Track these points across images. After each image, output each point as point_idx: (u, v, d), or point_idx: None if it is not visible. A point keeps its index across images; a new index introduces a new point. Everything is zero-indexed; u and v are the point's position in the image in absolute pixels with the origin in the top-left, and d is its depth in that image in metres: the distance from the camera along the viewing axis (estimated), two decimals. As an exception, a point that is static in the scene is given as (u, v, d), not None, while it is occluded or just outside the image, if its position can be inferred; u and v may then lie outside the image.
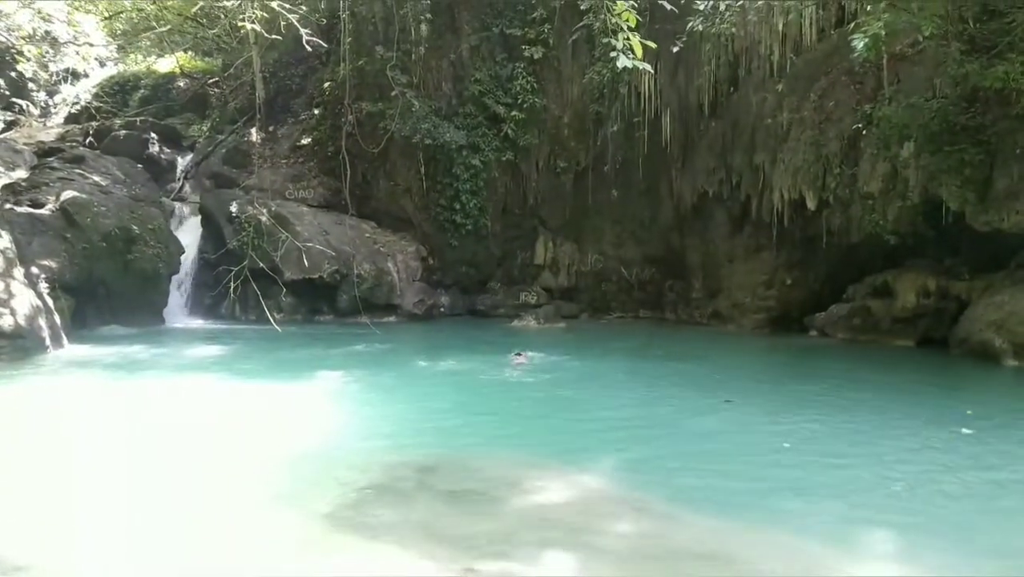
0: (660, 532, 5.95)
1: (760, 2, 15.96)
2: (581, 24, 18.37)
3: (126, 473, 7.14)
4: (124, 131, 22.10)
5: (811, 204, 16.24)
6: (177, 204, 20.74)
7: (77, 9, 21.19)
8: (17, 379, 11.29)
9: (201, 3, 18.39)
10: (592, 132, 20.38)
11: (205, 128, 22.85)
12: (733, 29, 16.74)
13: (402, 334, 17.74)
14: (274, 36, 15.10)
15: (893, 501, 6.59)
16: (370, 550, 5.40)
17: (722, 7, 15.52)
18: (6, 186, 17.46)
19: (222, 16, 20.23)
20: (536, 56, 19.94)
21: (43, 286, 14.39)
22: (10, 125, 23.74)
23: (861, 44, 11.83)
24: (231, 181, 20.78)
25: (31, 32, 20.00)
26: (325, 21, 21.09)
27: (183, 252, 18.59)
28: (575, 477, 7.13)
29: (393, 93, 19.04)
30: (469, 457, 7.85)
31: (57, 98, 26.78)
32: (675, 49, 16.96)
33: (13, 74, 24.83)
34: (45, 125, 25.02)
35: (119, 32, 25.13)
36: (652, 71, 17.45)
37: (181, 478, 7.04)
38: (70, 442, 8.19)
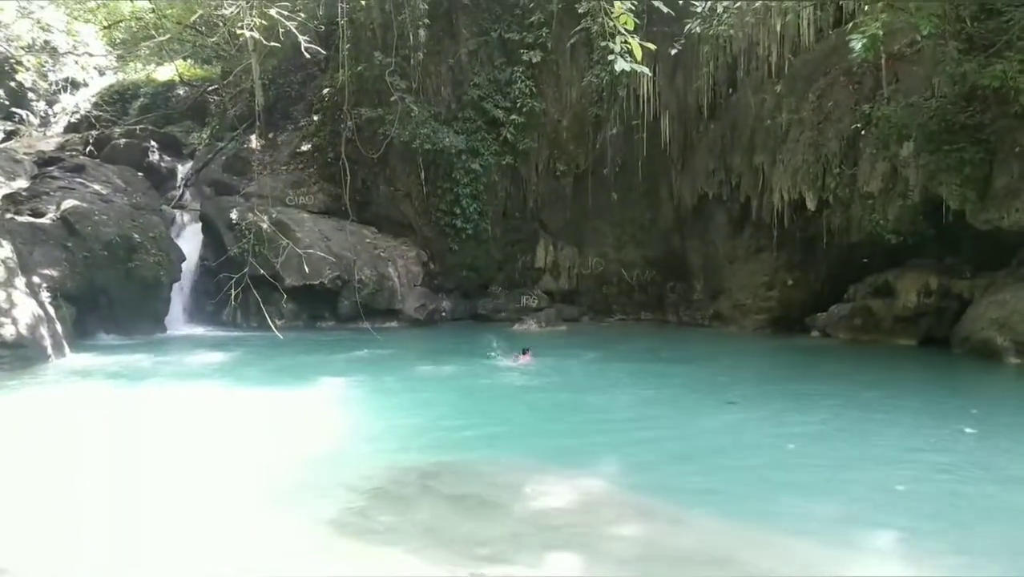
0: (665, 534, 5.94)
1: (758, 3, 15.98)
2: (579, 28, 18.40)
3: (129, 480, 7.13)
4: (124, 140, 22.14)
5: (811, 204, 16.26)
6: (178, 212, 20.78)
7: (76, 19, 21.24)
8: (19, 388, 11.29)
9: (200, 11, 18.43)
10: (591, 135, 20.40)
11: (205, 136, 22.89)
12: (731, 31, 16.78)
13: (404, 339, 17.74)
14: (273, 43, 15.12)
15: (896, 501, 6.58)
16: (375, 555, 5.39)
17: (720, 9, 15.56)
18: (7, 196, 17.48)
19: (221, 24, 20.28)
20: (535, 60, 19.97)
21: (44, 295, 14.39)
22: (10, 135, 23.80)
23: (859, 44, 11.85)
24: (231, 188, 20.80)
25: (30, 42, 20.03)
26: (323, 28, 21.14)
27: (184, 260, 18.59)
28: (579, 480, 7.12)
29: (392, 99, 19.07)
30: (472, 461, 7.85)
31: (57, 107, 26.85)
32: (673, 51, 17.02)
33: (13, 84, 24.90)
34: (45, 135, 25.07)
35: (118, 41, 25.18)
36: (650, 74, 17.46)
37: (184, 485, 7.04)
38: (73, 451, 8.18)
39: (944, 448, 8.21)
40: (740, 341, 17.44)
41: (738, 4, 15.64)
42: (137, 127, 23.23)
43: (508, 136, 20.16)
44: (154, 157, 22.20)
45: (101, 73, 27.29)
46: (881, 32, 11.87)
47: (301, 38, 14.19)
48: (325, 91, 21.38)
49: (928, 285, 15.27)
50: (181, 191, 21.84)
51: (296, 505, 6.47)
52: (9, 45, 20.11)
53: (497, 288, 21.10)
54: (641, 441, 8.73)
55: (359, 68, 19.86)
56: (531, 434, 9.19)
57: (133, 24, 24.08)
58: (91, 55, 23.00)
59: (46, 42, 20.84)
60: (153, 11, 22.41)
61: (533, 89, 20.27)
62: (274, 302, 17.83)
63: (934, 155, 14.00)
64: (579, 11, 18.10)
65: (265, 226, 18.52)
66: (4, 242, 13.60)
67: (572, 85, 20.31)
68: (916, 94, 14.48)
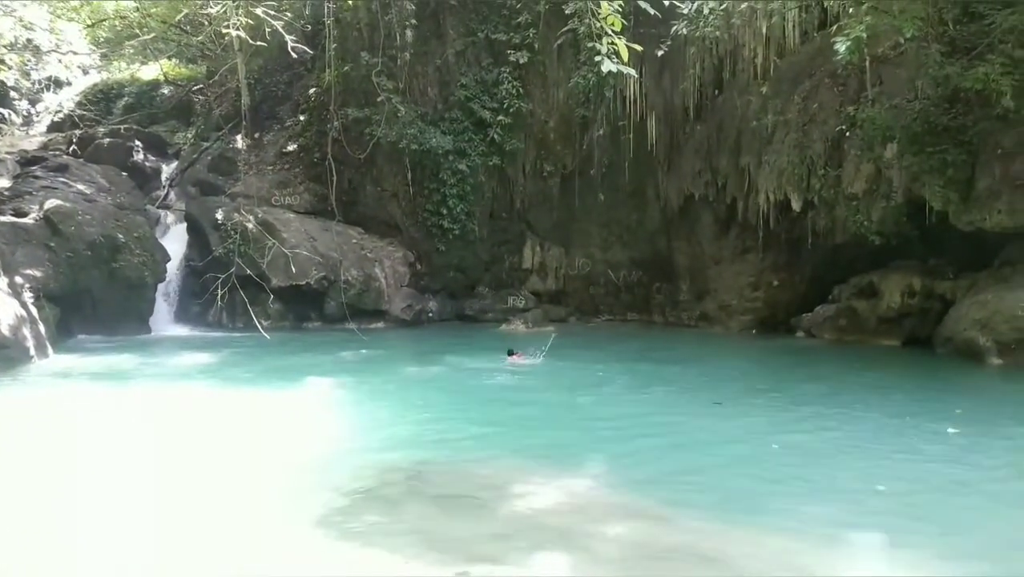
0: (652, 534, 5.96)
1: (743, 5, 16.07)
2: (566, 29, 18.41)
3: (112, 482, 7.09)
4: (108, 139, 21.97)
5: (796, 205, 16.36)
6: (162, 212, 20.66)
7: (59, 17, 21.07)
8: (1, 389, 11.19)
9: (185, 10, 18.33)
10: (578, 136, 20.44)
11: (190, 135, 22.76)
12: (717, 33, 16.86)
13: (390, 340, 17.70)
14: (259, 43, 15.07)
15: (877, 501, 6.62)
16: (362, 554, 5.38)
17: (706, 11, 15.63)
18: (-11, 195, 17.32)
19: (206, 23, 20.19)
20: (521, 61, 19.98)
21: (27, 295, 14.27)
22: (-8, 134, 23.55)
23: (844, 47, 11.95)
24: (217, 188, 20.69)
25: (12, 40, 19.84)
26: (310, 27, 21.07)
27: (169, 260, 18.49)
28: (566, 480, 7.13)
29: (379, 99, 19.03)
30: (460, 461, 7.85)
31: (40, 106, 26.60)
32: (660, 53, 17.07)
33: (-6, 83, 24.64)
34: (28, 134, 24.84)
35: (102, 40, 25.00)
36: (637, 75, 17.53)
37: (168, 486, 7.00)
38: (55, 453, 8.12)
39: (927, 448, 8.28)
40: (726, 342, 17.52)
41: (724, 6, 15.72)
42: (121, 127, 23.06)
43: (495, 137, 20.16)
44: (139, 157, 22.05)
45: (85, 72, 27.06)
46: (865, 35, 11.96)
47: (288, 37, 14.15)
48: (311, 91, 21.31)
49: (912, 286, 15.40)
50: (166, 191, 21.70)
51: (282, 506, 6.46)
52: (-9, 43, 19.92)
53: (484, 289, 21.09)
54: (628, 441, 8.76)
55: (346, 68, 19.81)
56: (518, 435, 9.18)
57: (117, 23, 23.92)
58: (75, 53, 22.83)
59: (29, 40, 20.66)
60: (137, 10, 22.28)
61: (520, 90, 20.28)
62: (260, 302, 17.77)
63: (917, 157, 14.12)
64: (566, 12, 18.12)
65: (251, 226, 18.44)
66: (-14, 242, 13.48)
67: (559, 86, 20.34)
68: (900, 96, 14.60)
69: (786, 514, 6.32)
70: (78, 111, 24.66)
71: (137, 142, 22.41)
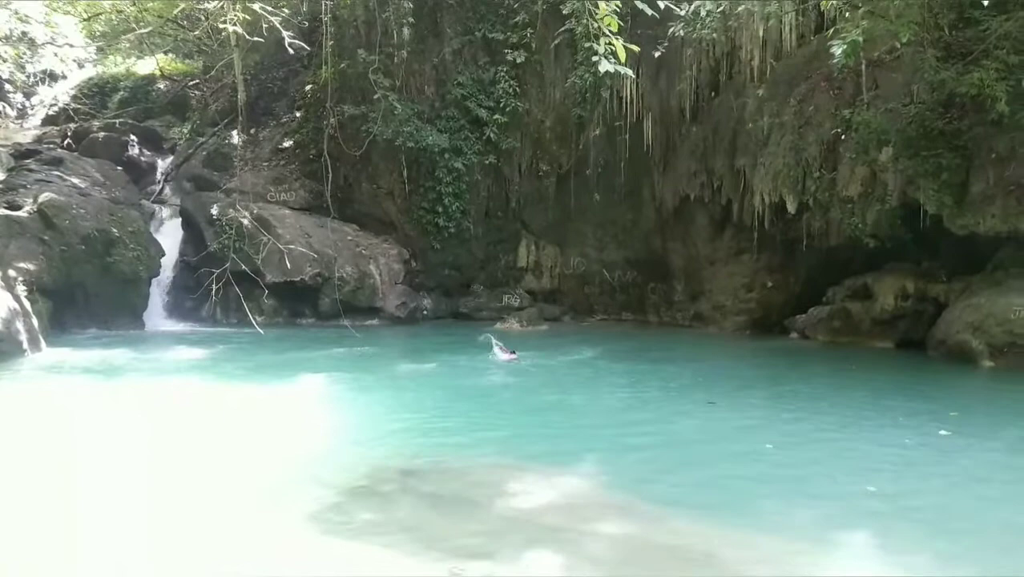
0: (644, 533, 5.98)
1: (740, 8, 16.09)
2: (563, 28, 18.45)
3: (105, 477, 7.07)
4: (103, 133, 21.93)
5: (791, 207, 16.39)
6: (157, 207, 20.62)
7: (55, 10, 21.00)
8: (-6, 383, 11.16)
9: (182, 5, 18.28)
10: (574, 136, 20.45)
11: (186, 130, 22.70)
12: (714, 35, 16.85)
13: (384, 337, 17.69)
14: (255, 38, 15.04)
15: (869, 502, 6.65)
16: (355, 551, 5.38)
17: (703, 13, 15.63)
18: (-17, 188, 17.25)
19: (203, 18, 20.15)
20: (518, 60, 19.99)
21: (20, 289, 14.22)
22: (-13, 126, 23.47)
23: (840, 50, 11.96)
24: (212, 184, 20.68)
25: (8, 33, 19.77)
26: (307, 24, 21.06)
27: (163, 255, 18.45)
28: (559, 478, 7.15)
29: (375, 96, 19.01)
30: (453, 459, 7.84)
31: (35, 100, 26.54)
32: (657, 54, 17.08)
33: (-10, 75, 24.56)
34: (22, 127, 24.77)
35: (98, 34, 24.92)
36: (634, 76, 17.57)
37: (161, 481, 6.99)
38: (48, 447, 8.10)
39: (919, 450, 8.32)
40: (720, 342, 17.55)
41: (721, 8, 15.73)
42: (117, 121, 23.00)
43: (491, 135, 20.16)
44: (134, 151, 22.01)
45: (80, 66, 26.99)
46: (861, 38, 11.97)
47: (284, 33, 14.12)
48: (308, 88, 21.29)
49: (905, 288, 15.46)
50: (161, 186, 21.67)
51: (275, 502, 6.45)
52: (-14, 36, 19.86)
53: (479, 287, 21.10)
54: (621, 441, 8.77)
55: (342, 65, 19.79)
56: (512, 433, 9.19)
57: (113, 17, 23.85)
58: (71, 46, 22.75)
59: (24, 33, 20.59)
60: (134, 4, 22.21)
61: (517, 89, 20.28)
62: (254, 298, 17.77)
63: (912, 160, 14.17)
64: (563, 12, 18.15)
65: (246, 222, 18.42)
66: (-20, 235, 13.43)
67: (556, 86, 20.34)
68: (895, 100, 14.64)
69: (778, 514, 6.35)
70: (73, 105, 24.58)
71: (132, 136, 22.37)
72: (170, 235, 19.47)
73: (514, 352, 13.95)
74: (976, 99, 12.91)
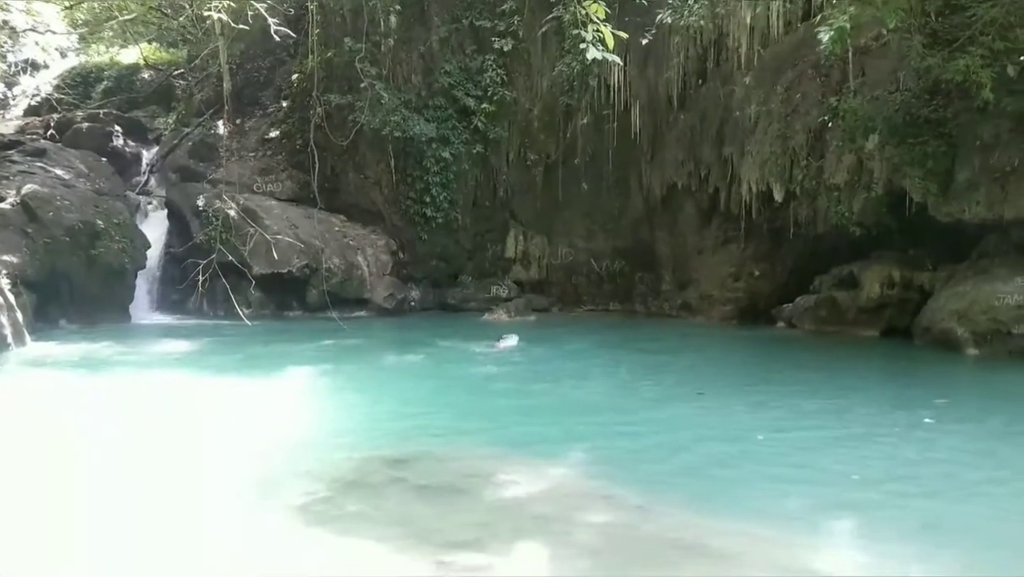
0: (632, 523, 5.99)
1: (728, -5, 16.10)
2: (551, 16, 18.40)
3: (89, 471, 7.03)
4: (87, 123, 21.67)
5: (778, 196, 16.41)
6: (143, 198, 20.43)
7: (36, -2, 20.74)
8: (-22, 377, 11.07)
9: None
10: (562, 125, 20.38)
11: (171, 121, 22.50)
12: (701, 22, 16.84)
13: (372, 328, 17.65)
14: (241, 26, 14.90)
15: (855, 490, 6.68)
16: (341, 543, 5.37)
17: (691, 0, 15.62)
18: (-36, 180, 17.05)
19: (187, 6, 19.95)
20: (506, 48, 19.89)
21: (4, 282, 14.05)
22: (-33, 117, 23.18)
23: (827, 37, 11.97)
24: (198, 174, 20.48)
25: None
26: (292, 12, 20.86)
27: (149, 247, 18.31)
28: (548, 469, 7.16)
29: (362, 85, 18.87)
30: (441, 450, 7.85)
31: (16, 90, 26.18)
32: (644, 41, 17.08)
33: (-30, 65, 24.25)
34: (4, 117, 24.46)
35: (80, 22, 24.64)
36: (621, 63, 17.51)
37: (147, 474, 6.95)
38: (32, 441, 8.04)
39: (905, 437, 8.38)
40: (707, 332, 17.60)
41: (708, -5, 15.73)
42: (100, 111, 22.74)
43: (479, 125, 20.08)
44: (118, 142, 21.78)
45: (63, 55, 26.68)
46: (848, 25, 11.97)
47: (270, 20, 13.98)
48: (294, 77, 21.12)
49: (891, 277, 15.50)
50: (146, 177, 21.47)
51: (261, 492, 6.44)
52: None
53: (467, 278, 21.05)
54: (611, 431, 8.79)
55: (328, 54, 19.64)
56: (501, 424, 9.20)
57: (96, 5, 23.58)
58: (53, 32, 22.46)
59: (4, 21, 20.33)
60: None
61: (504, 78, 20.19)
62: (241, 290, 17.67)
63: (898, 148, 14.21)
64: (550, 0, 18.08)
65: (232, 213, 18.30)
66: (-39, 227, 13.29)
67: (543, 74, 20.26)
68: (882, 88, 14.67)
69: (766, 503, 6.38)
70: (56, 95, 24.30)
71: (116, 127, 22.12)
72: (156, 227, 19.30)
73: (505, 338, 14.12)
74: (962, 86, 12.93)
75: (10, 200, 16.28)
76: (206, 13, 15.43)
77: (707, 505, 6.34)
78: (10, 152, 19.02)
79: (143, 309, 18.15)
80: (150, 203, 20.27)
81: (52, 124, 21.82)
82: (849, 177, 15.30)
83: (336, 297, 18.37)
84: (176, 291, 18.41)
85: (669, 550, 5.44)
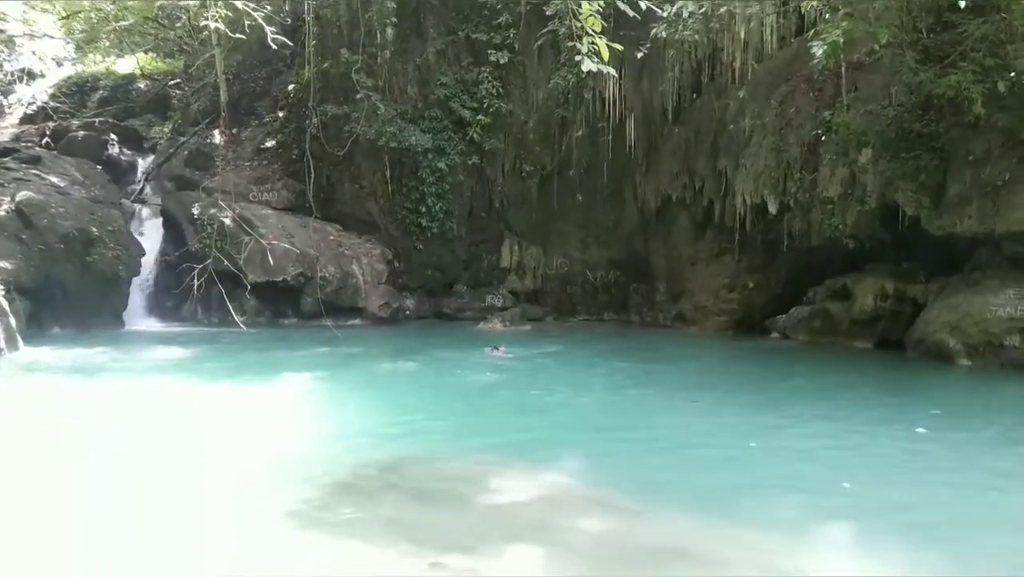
0: (626, 528, 6.01)
1: (722, 9, 16.22)
2: (546, 29, 18.52)
3: (81, 477, 7.01)
4: (82, 132, 21.68)
5: (772, 208, 16.52)
6: (138, 206, 20.47)
7: (33, 7, 20.78)
8: (-30, 382, 11.03)
9: (162, 2, 18.15)
10: (557, 137, 20.50)
11: (167, 130, 22.52)
12: (696, 36, 16.98)
13: (367, 337, 17.64)
14: (237, 35, 14.96)
15: (846, 499, 6.71)
16: (336, 547, 5.37)
17: (685, 14, 15.74)
18: (-41, 186, 17.03)
19: (183, 16, 20.02)
20: (502, 61, 20.02)
21: (-2, 288, 14.06)
22: (-37, 125, 23.18)
23: (820, 52, 12.11)
24: (193, 183, 20.52)
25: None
26: (289, 22, 20.93)
27: (144, 254, 18.33)
28: (542, 475, 7.17)
29: (358, 96, 18.97)
30: (435, 456, 7.85)
31: (12, 98, 26.17)
32: (639, 55, 17.17)
33: (-33, 73, 24.28)
34: (0, 125, 24.45)
35: (78, 32, 24.69)
36: (617, 76, 17.62)
37: (140, 480, 6.94)
38: (24, 447, 8.01)
39: (897, 447, 8.41)
40: (701, 342, 17.65)
41: (703, 9, 15.84)
42: (96, 120, 22.77)
43: (474, 136, 20.17)
44: (114, 150, 21.80)
45: (59, 64, 26.73)
46: (841, 40, 12.12)
47: (268, 30, 14.05)
48: (291, 87, 21.19)
49: (884, 289, 15.59)
50: (142, 185, 21.48)
51: (256, 497, 6.44)
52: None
53: (462, 287, 21.10)
54: (605, 438, 8.82)
55: (325, 65, 19.73)
56: (495, 431, 9.21)
57: (93, 15, 23.64)
58: (51, 37, 22.45)
59: (1, 31, 20.37)
60: (114, 2, 22.02)
61: (500, 90, 20.32)
62: (236, 298, 17.67)
63: (891, 162, 14.33)
64: (547, 13, 18.21)
65: (228, 221, 18.33)
66: (-44, 233, 13.27)
67: (539, 86, 20.39)
68: (874, 102, 14.80)
69: (758, 510, 6.40)
70: (52, 103, 24.30)
71: (112, 136, 22.15)
72: (151, 235, 19.35)
73: (499, 348, 14.29)
74: (953, 101, 13.06)
75: (5, 207, 16.28)
76: (203, 23, 15.49)
77: (700, 510, 6.36)
78: (5, 159, 19.03)
79: (137, 316, 18.15)
80: (145, 211, 20.27)
81: (48, 132, 21.83)
82: (842, 190, 15.42)
83: (331, 305, 18.39)
84: (171, 298, 18.41)
85: (661, 555, 5.46)
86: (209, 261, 16.86)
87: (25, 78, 25.95)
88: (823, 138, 15.53)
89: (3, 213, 16.08)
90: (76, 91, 25.64)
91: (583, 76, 17.90)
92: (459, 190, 20.53)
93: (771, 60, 17.24)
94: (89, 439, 8.32)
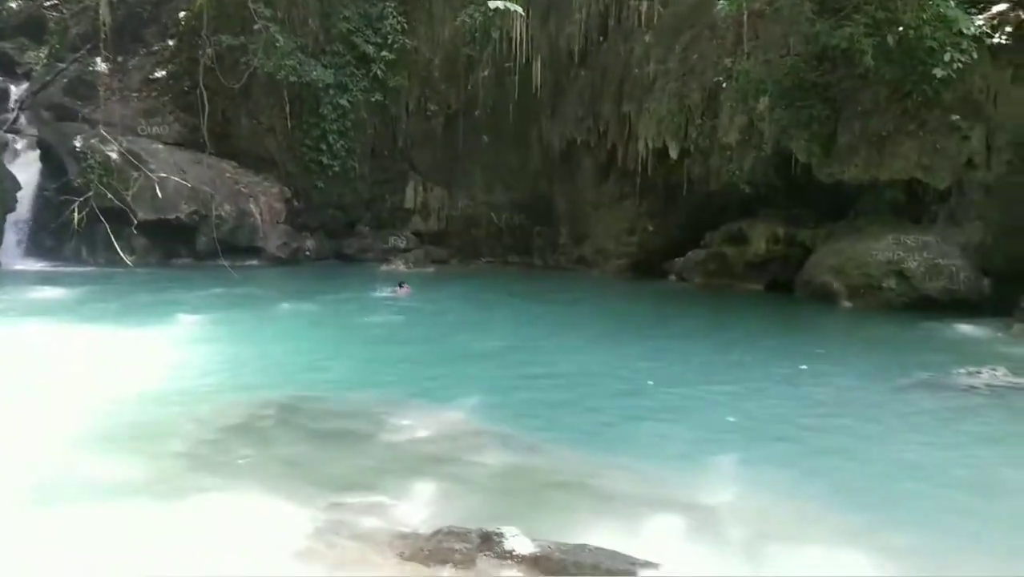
0: (523, 462, 6.13)
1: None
2: (453, -36, 18.04)
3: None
4: (-54, 54, 19.92)
5: (673, 153, 16.82)
6: (11, 136, 18.99)
7: None
8: None
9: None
10: (463, 76, 20.16)
11: (43, 55, 20.90)
12: (604, -22, 16.91)
13: (265, 278, 17.18)
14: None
15: (731, 433, 7.02)
16: (232, 489, 5.25)
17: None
18: None
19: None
20: (407, -5, 19.44)
21: None
22: None
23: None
24: (74, 113, 19.20)
25: None
26: (180, -56, 19.67)
27: (19, 189, 17.17)
28: (442, 413, 7.21)
29: (256, 27, 18.06)
30: (334, 397, 7.77)
31: None
32: (546, -5, 16.98)
33: None
34: None
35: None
36: (524, 15, 17.40)
37: (17, 429, 6.57)
38: None
39: (782, 383, 8.85)
40: (602, 284, 17.99)
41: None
42: (-39, 41, 20.94)
43: (378, 73, 19.61)
44: (-19, 75, 20.14)
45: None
46: (744, -13, 12.29)
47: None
48: (181, 15, 19.97)
49: (776, 234, 16.20)
50: (15, 114, 19.95)
51: (145, 439, 6.20)
52: None
53: (364, 228, 20.73)
54: (505, 377, 8.92)
55: (219, -9, 18.67)
56: (395, 370, 9.20)
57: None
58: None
59: None
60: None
61: (405, 26, 19.76)
62: (124, 237, 16.79)
63: (787, 111, 14.78)
64: (454, -54, 17.74)
65: (114, 155, 17.30)
66: None
67: (445, 24, 19.92)
68: (773, 51, 15.16)
69: (652, 443, 6.65)
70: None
71: (-21, 59, 20.44)
72: (27, 168, 18.04)
73: (402, 285, 14.43)
74: (846, 53, 13.53)
75: None
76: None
77: (597, 445, 6.55)
78: None
79: (13, 255, 17.08)
80: (20, 142, 18.87)
81: (-94, 53, 19.95)
82: (741, 137, 15.81)
83: (227, 245, 17.75)
84: (51, 236, 17.36)
85: (557, 486, 5.61)
86: (90, 193, 15.89)
87: None
88: (724, 85, 15.83)
89: None
90: (-62, 9, 23.43)
91: (490, 14, 17.59)
92: (362, 128, 20.00)
93: (677, 5, 17.35)
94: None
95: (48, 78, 20.22)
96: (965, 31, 12.21)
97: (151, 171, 17.33)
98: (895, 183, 14.37)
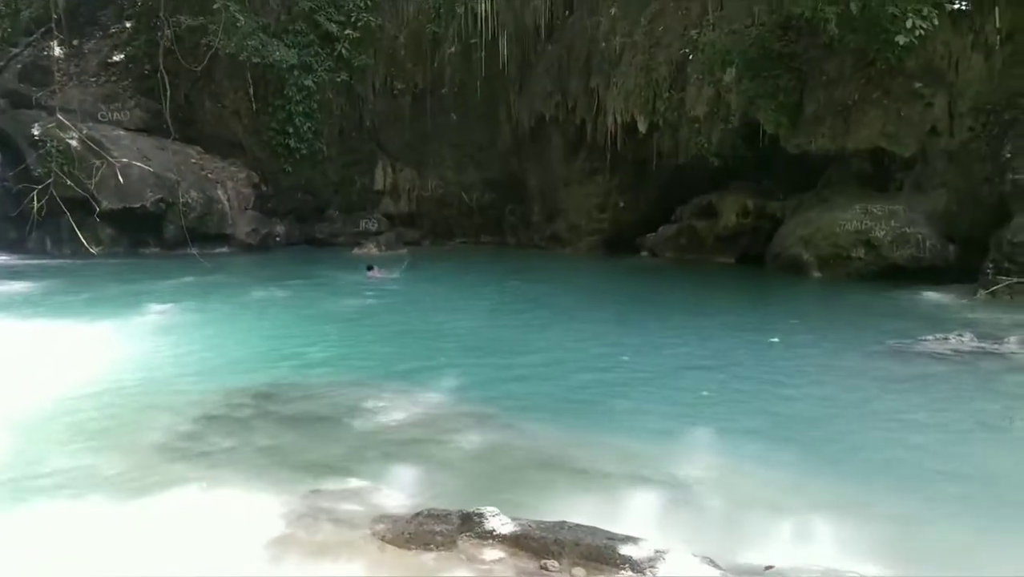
0: (501, 440, 6.14)
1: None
2: (415, -61, 17.76)
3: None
4: None
5: (642, 127, 16.84)
6: (-35, 125, 18.51)
7: None
8: None
9: None
10: (429, 54, 19.98)
11: (-6, 40, 20.34)
12: (568, -50, 16.78)
13: (236, 265, 17.01)
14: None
15: (705, 405, 7.10)
16: (210, 478, 5.21)
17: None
18: None
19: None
20: (370, -29, 19.15)
21: None
22: None
23: (688, -31, 12.18)
24: (30, 100, 18.74)
25: None
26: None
27: (-24, 180, 16.75)
28: (418, 396, 7.20)
29: (215, 6, 17.69)
30: (311, 382, 7.73)
31: None
32: (511, -31, 16.82)
33: None
34: None
35: None
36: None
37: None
38: None
39: (752, 354, 8.95)
40: (575, 261, 18.05)
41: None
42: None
43: (343, 52, 19.36)
44: (-69, 63, 19.54)
45: None
46: (708, -42, 12.27)
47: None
48: (137, -5, 19.54)
49: (746, 206, 16.35)
50: (-32, 102, 19.42)
51: (120, 430, 6.15)
52: None
53: (334, 212, 20.56)
54: (480, 357, 8.93)
55: (176, -29, 18.26)
56: (372, 354, 9.15)
57: None
58: None
59: None
60: None
61: (368, 2, 19.49)
62: (89, 227, 16.52)
63: (753, 82, 14.84)
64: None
65: (74, 143, 16.93)
66: None
67: (409, 0, 19.66)
68: (738, 21, 15.18)
69: (627, 418, 6.70)
70: None
71: (-72, 45, 19.81)
72: (-18, 158, 17.62)
73: (371, 268, 14.45)
74: (810, 22, 13.58)
75: None
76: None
77: (573, 423, 6.60)
78: None
79: (-29, 249, 16.69)
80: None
81: None
82: (708, 109, 15.87)
83: (196, 233, 17.50)
84: (12, 228, 16.99)
85: (535, 463, 5.64)
86: (50, 182, 15.53)
87: None
88: (690, 57, 15.84)
89: None
90: None
91: (454, -10, 17.48)
92: (328, 109, 19.76)
93: (642, -23, 17.27)
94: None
95: (1, 64, 19.69)
96: (926, -3, 12.32)
97: (113, 158, 17.00)
98: (861, 152, 14.52)
